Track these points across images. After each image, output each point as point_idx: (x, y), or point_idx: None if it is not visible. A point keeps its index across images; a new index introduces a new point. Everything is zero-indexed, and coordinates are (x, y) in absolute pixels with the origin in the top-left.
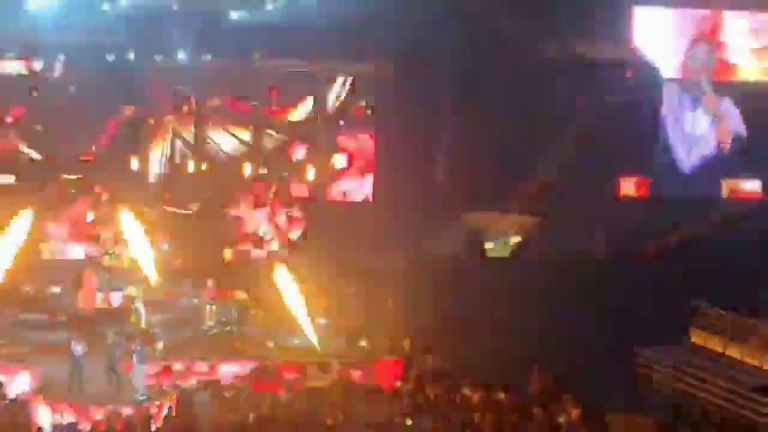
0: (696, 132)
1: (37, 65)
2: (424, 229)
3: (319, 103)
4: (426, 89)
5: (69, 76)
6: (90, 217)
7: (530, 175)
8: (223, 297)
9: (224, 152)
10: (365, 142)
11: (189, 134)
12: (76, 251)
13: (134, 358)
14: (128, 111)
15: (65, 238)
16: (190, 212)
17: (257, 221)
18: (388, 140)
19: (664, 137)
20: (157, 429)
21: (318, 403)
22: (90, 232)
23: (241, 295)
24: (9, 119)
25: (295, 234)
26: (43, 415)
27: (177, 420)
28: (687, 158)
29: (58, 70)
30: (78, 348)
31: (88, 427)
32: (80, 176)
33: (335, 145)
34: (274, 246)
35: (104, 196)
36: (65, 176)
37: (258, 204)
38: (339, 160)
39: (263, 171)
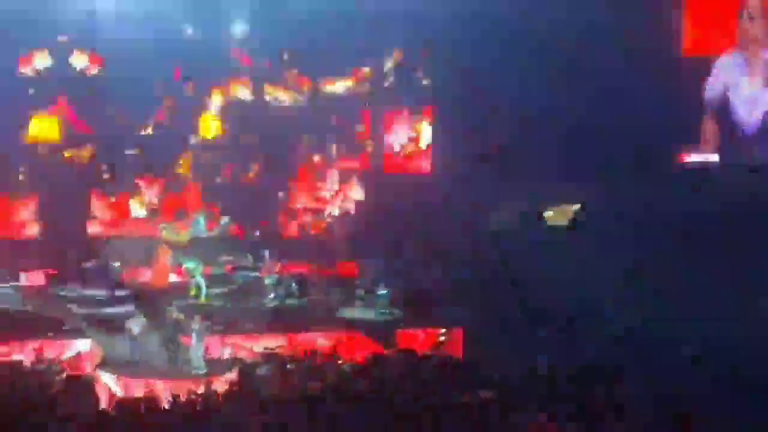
0: (754, 94)
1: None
2: (482, 199)
3: (379, 74)
4: (484, 59)
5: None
6: (148, 192)
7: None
8: (283, 269)
9: (283, 123)
10: (424, 113)
11: (248, 104)
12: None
13: (194, 332)
14: (189, 87)
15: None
16: (248, 184)
17: (317, 192)
18: (446, 111)
19: (724, 102)
20: (218, 403)
21: (382, 373)
22: (150, 206)
23: (301, 267)
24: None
25: (353, 205)
26: (105, 389)
27: (238, 393)
28: (748, 120)
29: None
30: (136, 325)
31: (149, 401)
32: (139, 151)
33: (393, 117)
34: (333, 216)
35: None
36: (126, 152)
37: (317, 175)
38: (398, 132)
39: (322, 142)
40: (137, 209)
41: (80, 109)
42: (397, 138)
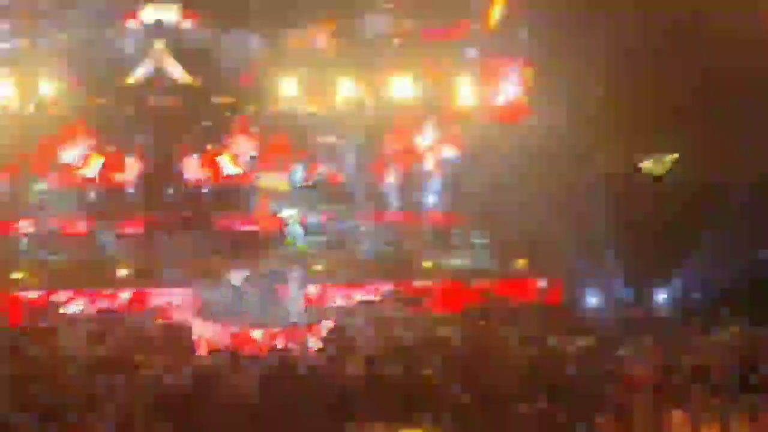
0: None
1: None
2: (578, 151)
3: (475, 25)
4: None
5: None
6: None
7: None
8: (379, 219)
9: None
10: (520, 64)
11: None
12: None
13: (291, 281)
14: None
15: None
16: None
17: (412, 140)
18: (543, 64)
19: None
20: (314, 352)
21: (474, 322)
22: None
23: (396, 216)
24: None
25: (450, 153)
26: (203, 336)
27: (334, 342)
28: None
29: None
30: (236, 274)
31: (246, 348)
32: (234, 101)
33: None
34: (430, 165)
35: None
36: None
37: (414, 124)
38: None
39: (419, 92)
40: (229, 166)
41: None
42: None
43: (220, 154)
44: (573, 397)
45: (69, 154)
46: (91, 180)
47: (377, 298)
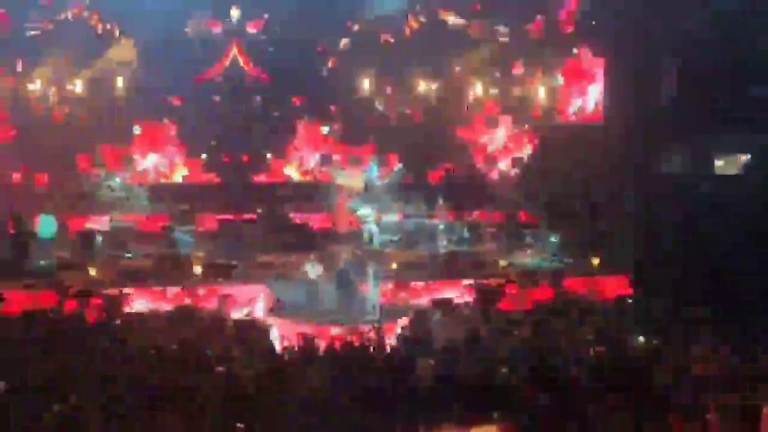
0: None
1: None
2: (654, 147)
3: (551, 19)
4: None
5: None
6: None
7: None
8: (455, 216)
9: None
10: (596, 61)
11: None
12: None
13: (368, 278)
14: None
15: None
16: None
17: (489, 139)
18: (619, 59)
19: None
20: (392, 347)
21: (548, 320)
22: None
23: (472, 214)
24: None
25: (526, 152)
26: (277, 332)
27: (411, 338)
28: None
29: None
30: (313, 270)
31: (323, 344)
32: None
33: (567, 64)
34: (504, 164)
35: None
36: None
37: (489, 122)
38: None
39: (494, 90)
40: (305, 164)
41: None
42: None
43: (296, 152)
44: (645, 395)
45: (145, 153)
46: (166, 177)
47: (452, 296)
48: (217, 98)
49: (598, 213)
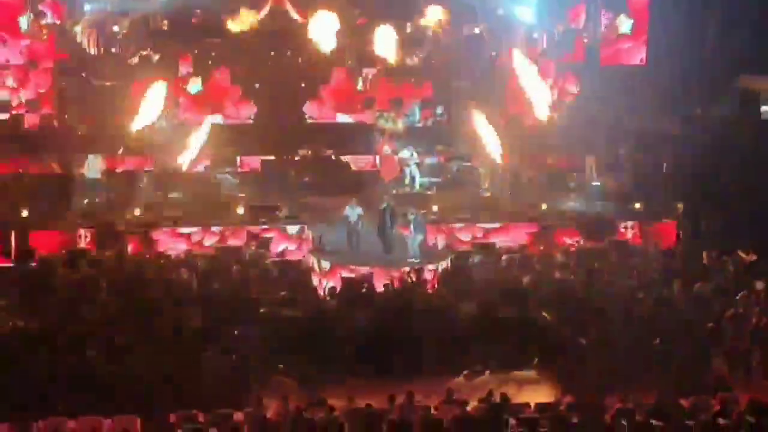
0: None
1: None
2: (698, 92)
3: None
4: None
5: None
6: (360, 84)
7: None
8: (495, 160)
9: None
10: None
11: None
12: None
13: (409, 221)
14: None
15: (333, 105)
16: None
17: (528, 81)
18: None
19: None
20: (432, 290)
21: (590, 265)
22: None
23: (514, 158)
24: None
25: (569, 97)
26: (320, 273)
27: (451, 282)
28: None
29: None
30: (355, 212)
31: (364, 286)
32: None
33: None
34: (545, 109)
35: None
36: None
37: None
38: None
39: (535, 34)
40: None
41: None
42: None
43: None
44: (690, 341)
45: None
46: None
47: (494, 239)
48: (263, 39)
49: (643, 158)
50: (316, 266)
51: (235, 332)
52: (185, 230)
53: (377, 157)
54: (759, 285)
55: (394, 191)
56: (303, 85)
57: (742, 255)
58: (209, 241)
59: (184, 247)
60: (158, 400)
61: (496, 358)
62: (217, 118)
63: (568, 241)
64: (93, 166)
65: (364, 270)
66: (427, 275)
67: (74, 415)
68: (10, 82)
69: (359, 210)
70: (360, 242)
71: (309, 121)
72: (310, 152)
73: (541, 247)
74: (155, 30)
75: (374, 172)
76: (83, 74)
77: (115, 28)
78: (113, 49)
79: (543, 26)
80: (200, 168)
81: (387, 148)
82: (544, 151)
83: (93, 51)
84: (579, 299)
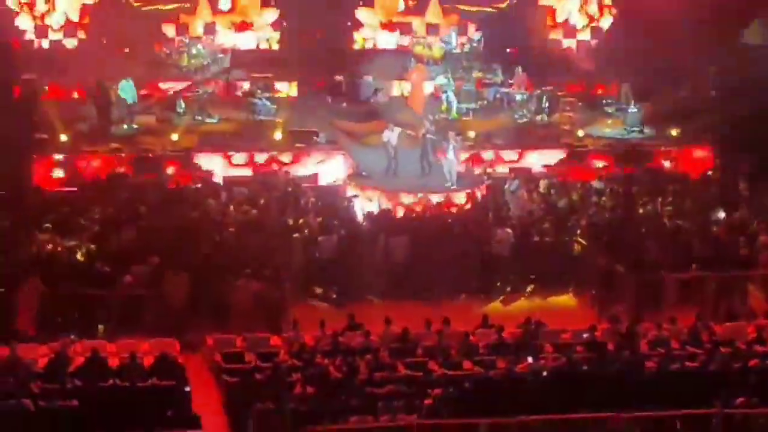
0: None
1: None
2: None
3: None
4: None
5: None
6: (401, 5)
7: None
8: (533, 86)
9: None
10: None
11: None
12: (387, 40)
13: (446, 146)
14: None
15: (376, 26)
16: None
17: (567, 9)
18: None
19: None
20: (469, 215)
21: (627, 191)
22: (402, 21)
23: (550, 83)
24: None
25: (606, 23)
26: (357, 199)
27: (487, 206)
28: None
29: None
30: (392, 137)
31: (400, 212)
32: None
33: None
34: (586, 35)
35: None
36: None
37: None
38: None
39: None
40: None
41: None
42: None
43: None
44: (725, 266)
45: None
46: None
47: (531, 165)
48: None
49: (680, 84)
50: (353, 190)
51: (271, 256)
52: (222, 155)
53: (410, 92)
54: None
55: (433, 117)
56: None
57: None
58: (246, 167)
59: (221, 172)
60: (196, 324)
61: (532, 284)
62: (252, 42)
63: (603, 166)
64: (128, 91)
65: (401, 194)
66: (465, 199)
67: (113, 338)
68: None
69: (398, 135)
70: (399, 167)
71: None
72: (347, 77)
73: (578, 172)
74: None
75: (411, 98)
76: None
77: None
78: None
79: None
80: (238, 93)
81: (416, 76)
82: (581, 77)
83: None
84: (615, 225)
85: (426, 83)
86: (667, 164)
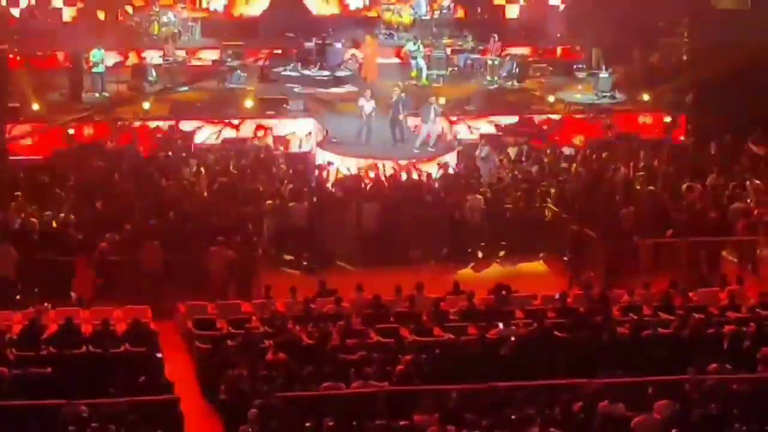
0: None
1: None
2: None
3: None
4: None
5: None
6: None
7: None
8: (504, 52)
9: None
10: None
11: None
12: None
13: (417, 112)
14: None
15: None
16: None
17: None
18: None
19: None
20: (440, 181)
21: (598, 157)
22: None
23: (522, 50)
24: None
25: None
26: (327, 165)
27: (457, 173)
28: None
29: None
30: (366, 104)
31: (372, 177)
32: None
33: None
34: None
35: None
36: None
37: None
38: None
39: None
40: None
41: None
42: None
43: None
44: (698, 232)
45: None
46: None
47: (500, 132)
48: None
49: (652, 48)
50: (324, 157)
51: (242, 223)
52: (192, 123)
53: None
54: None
55: (404, 83)
56: None
57: (753, 147)
58: (218, 134)
59: (191, 139)
60: (169, 291)
61: (503, 250)
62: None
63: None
64: (99, 60)
65: (372, 161)
66: (435, 165)
67: (87, 305)
68: None
69: (373, 101)
70: (371, 134)
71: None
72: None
73: (548, 138)
74: None
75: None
76: None
77: None
78: None
79: None
80: (208, 62)
81: (366, 48)
82: (552, 43)
83: None
84: (587, 191)
85: (377, 55)
86: (638, 129)
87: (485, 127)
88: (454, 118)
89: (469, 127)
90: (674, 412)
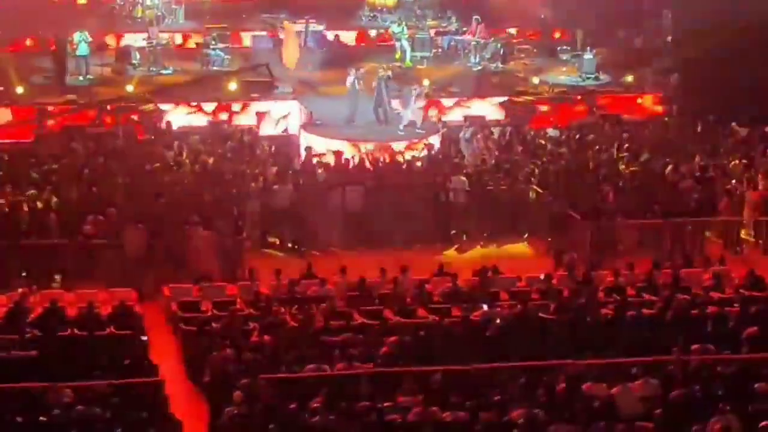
0: None
1: None
2: None
3: None
4: None
5: None
6: None
7: None
8: (488, 33)
9: None
10: None
11: None
12: None
13: (401, 94)
14: None
15: None
16: None
17: None
18: None
19: None
20: (424, 163)
21: (582, 137)
22: None
23: (508, 31)
24: None
25: None
26: (311, 147)
27: (441, 155)
28: None
29: None
30: (348, 85)
31: (356, 157)
32: None
33: None
34: None
35: None
36: None
37: None
38: None
39: None
40: None
41: None
42: None
43: None
44: (682, 212)
45: None
46: None
47: (485, 113)
48: None
49: (636, 30)
50: (308, 139)
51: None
52: (178, 105)
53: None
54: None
55: (387, 65)
56: None
57: (736, 128)
58: (202, 117)
59: (176, 121)
60: (153, 274)
61: (487, 232)
62: None
63: (561, 113)
64: (82, 42)
65: (357, 142)
66: (419, 147)
67: (71, 288)
68: None
69: (353, 83)
70: (353, 115)
71: None
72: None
73: (532, 119)
74: None
75: (367, 48)
76: None
77: None
78: None
79: None
80: (192, 44)
81: (284, 34)
82: (537, 24)
83: None
84: (570, 172)
85: (293, 40)
86: (622, 110)
87: (476, 107)
88: (438, 100)
89: (453, 108)
90: (655, 388)
